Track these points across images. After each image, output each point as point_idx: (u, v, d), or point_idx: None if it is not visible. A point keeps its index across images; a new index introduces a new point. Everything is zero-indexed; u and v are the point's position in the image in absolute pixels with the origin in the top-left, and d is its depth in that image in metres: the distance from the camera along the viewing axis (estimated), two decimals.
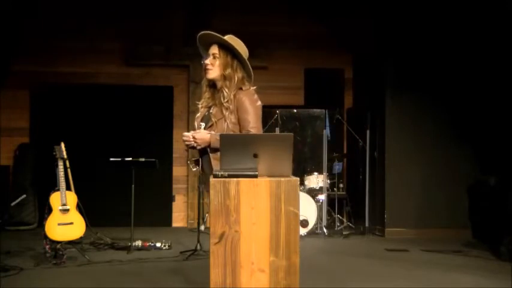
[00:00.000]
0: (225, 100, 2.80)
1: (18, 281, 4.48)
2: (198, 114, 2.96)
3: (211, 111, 2.86)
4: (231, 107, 2.80)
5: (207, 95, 2.94)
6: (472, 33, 6.83)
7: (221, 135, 2.37)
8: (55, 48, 7.76)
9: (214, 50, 2.89)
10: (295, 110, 8.00)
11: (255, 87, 2.91)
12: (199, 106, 2.98)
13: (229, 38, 2.89)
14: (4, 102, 7.76)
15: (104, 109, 7.78)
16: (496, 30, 6.56)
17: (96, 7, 7.65)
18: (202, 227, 6.28)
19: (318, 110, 7.92)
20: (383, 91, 7.13)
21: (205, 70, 2.88)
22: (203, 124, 2.87)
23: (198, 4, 7.70)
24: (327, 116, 7.53)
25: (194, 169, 3.01)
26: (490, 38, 6.72)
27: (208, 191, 2.83)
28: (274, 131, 7.22)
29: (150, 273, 4.82)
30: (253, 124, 2.80)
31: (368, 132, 7.33)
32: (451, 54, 6.99)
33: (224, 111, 2.80)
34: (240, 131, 2.81)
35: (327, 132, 7.45)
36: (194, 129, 2.95)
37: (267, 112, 7.52)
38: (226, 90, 2.82)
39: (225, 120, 2.80)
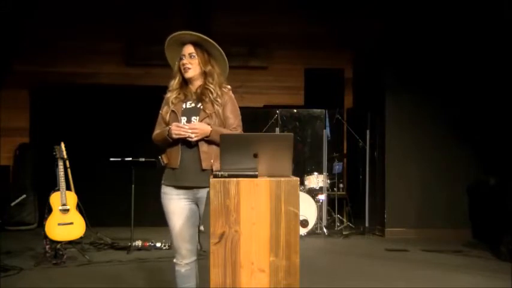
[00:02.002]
0: (214, 96, 2.82)
1: (18, 281, 4.48)
2: (173, 108, 2.88)
3: (198, 106, 2.85)
4: (219, 100, 2.82)
5: (178, 91, 2.93)
6: (472, 34, 6.83)
7: (221, 135, 2.37)
8: (55, 48, 7.77)
9: (190, 49, 2.90)
10: (295, 110, 8.00)
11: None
12: (170, 101, 2.91)
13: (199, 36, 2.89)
14: (4, 102, 7.77)
15: (104, 109, 7.76)
16: (495, 31, 6.56)
17: (96, 7, 7.65)
18: (201, 227, 6.27)
19: (318, 110, 7.92)
20: (383, 91, 7.12)
21: (184, 70, 2.89)
22: (185, 118, 2.85)
23: (198, 4, 7.71)
24: (327, 116, 7.52)
25: (165, 163, 2.92)
26: (490, 39, 6.73)
27: (184, 188, 2.79)
28: (274, 131, 7.22)
29: (150, 273, 4.82)
30: (238, 124, 2.87)
31: (368, 132, 7.33)
32: (451, 54, 6.99)
33: (216, 107, 2.82)
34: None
35: (327, 132, 7.45)
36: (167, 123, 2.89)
37: (267, 112, 7.55)
38: (212, 86, 2.85)
39: (217, 116, 2.82)
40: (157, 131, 2.95)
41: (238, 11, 7.84)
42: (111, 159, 5.85)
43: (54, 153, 5.32)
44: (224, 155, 2.29)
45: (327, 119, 7.50)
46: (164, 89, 3.12)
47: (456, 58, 6.98)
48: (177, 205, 2.86)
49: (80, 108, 7.72)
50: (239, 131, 2.85)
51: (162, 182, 2.91)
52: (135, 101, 7.84)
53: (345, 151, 8.11)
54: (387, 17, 7.16)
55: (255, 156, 2.28)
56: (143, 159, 5.84)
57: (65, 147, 5.44)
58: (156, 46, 7.69)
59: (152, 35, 7.77)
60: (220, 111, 2.83)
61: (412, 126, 7.05)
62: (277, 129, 7.36)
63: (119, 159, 5.83)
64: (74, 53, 7.81)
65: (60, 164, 5.29)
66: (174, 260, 2.91)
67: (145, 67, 7.88)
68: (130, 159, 5.82)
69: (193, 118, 2.83)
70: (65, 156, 5.39)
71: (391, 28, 7.12)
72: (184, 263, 2.88)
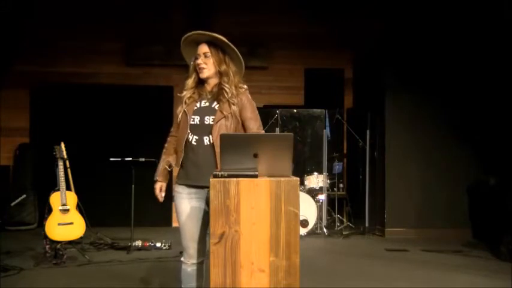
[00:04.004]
0: (229, 95, 2.81)
1: (18, 281, 4.48)
2: (185, 108, 2.86)
3: (213, 105, 2.84)
4: (235, 100, 2.82)
5: (193, 90, 2.91)
6: (471, 34, 6.84)
7: (221, 135, 2.37)
8: (55, 48, 7.77)
9: (204, 49, 2.86)
10: (295, 110, 8.00)
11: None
12: (184, 100, 2.89)
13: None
14: (4, 102, 7.77)
15: (104, 109, 7.78)
16: (495, 31, 6.56)
17: (96, 7, 7.65)
18: None
19: (318, 110, 7.92)
20: (383, 91, 7.13)
21: (199, 69, 2.86)
22: (198, 117, 2.82)
23: (198, 4, 7.70)
24: (327, 116, 7.53)
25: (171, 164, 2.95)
26: (490, 39, 6.73)
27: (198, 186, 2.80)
28: (274, 131, 7.22)
29: (150, 273, 4.82)
30: (258, 126, 2.87)
31: (368, 132, 7.33)
32: (451, 54, 6.99)
33: (233, 107, 2.81)
34: (245, 131, 2.84)
35: (327, 132, 7.46)
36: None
37: (267, 112, 7.55)
38: (227, 86, 2.83)
39: (233, 116, 2.81)
40: (166, 146, 3.02)
41: (238, 11, 7.84)
42: (111, 159, 5.85)
43: (54, 153, 5.33)
44: (224, 155, 2.29)
45: (327, 119, 7.51)
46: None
47: (456, 58, 6.98)
48: (187, 204, 2.84)
49: (80, 108, 7.73)
50: (261, 132, 2.85)
51: (176, 181, 2.91)
52: (135, 101, 7.85)
53: (345, 151, 8.11)
54: (387, 17, 7.17)
55: (255, 156, 2.27)
56: (143, 159, 5.84)
57: (65, 147, 5.45)
58: (156, 46, 7.85)
59: (152, 35, 7.80)
60: (236, 111, 2.81)
61: (412, 126, 7.05)
62: (277, 129, 7.37)
63: (119, 159, 5.83)
64: (74, 53, 7.81)
65: (60, 164, 5.29)
66: (182, 259, 2.89)
67: (145, 67, 7.89)
68: (130, 159, 5.82)
69: (206, 118, 2.81)
70: (65, 156, 5.39)
71: (391, 28, 7.12)
72: (191, 263, 2.84)
